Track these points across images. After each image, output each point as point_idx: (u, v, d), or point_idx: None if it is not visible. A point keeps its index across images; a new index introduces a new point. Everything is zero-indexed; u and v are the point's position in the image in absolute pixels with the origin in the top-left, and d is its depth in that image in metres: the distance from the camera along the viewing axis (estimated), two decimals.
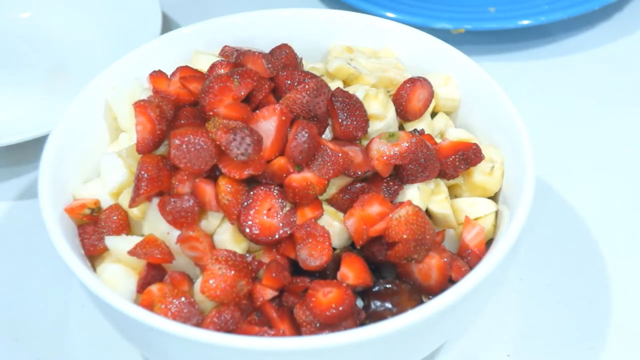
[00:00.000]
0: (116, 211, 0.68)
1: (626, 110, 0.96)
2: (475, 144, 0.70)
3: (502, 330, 0.74)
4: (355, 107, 0.68)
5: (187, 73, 0.71)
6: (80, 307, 0.76)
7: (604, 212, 0.84)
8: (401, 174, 0.67)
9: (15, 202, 0.87)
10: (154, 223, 0.64)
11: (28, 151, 0.89)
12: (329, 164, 0.63)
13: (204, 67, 0.74)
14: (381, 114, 0.70)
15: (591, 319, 0.75)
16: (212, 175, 0.64)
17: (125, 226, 0.67)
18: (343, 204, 0.66)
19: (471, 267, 0.65)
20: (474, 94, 0.75)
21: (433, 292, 0.63)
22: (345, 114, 0.67)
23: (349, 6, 1.06)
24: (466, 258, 0.66)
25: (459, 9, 1.06)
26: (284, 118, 0.64)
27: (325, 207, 0.65)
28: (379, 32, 0.81)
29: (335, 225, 0.64)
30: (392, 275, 0.65)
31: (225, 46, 0.78)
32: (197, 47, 0.79)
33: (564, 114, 0.95)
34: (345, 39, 0.81)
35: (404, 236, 0.61)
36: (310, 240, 0.62)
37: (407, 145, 0.65)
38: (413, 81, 0.73)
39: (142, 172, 0.63)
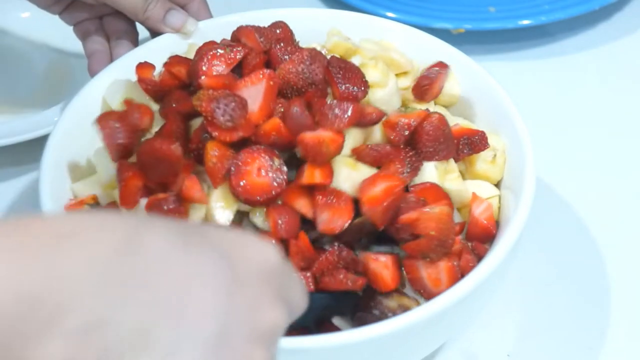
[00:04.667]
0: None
1: (626, 110, 0.95)
2: (482, 131, 0.70)
3: (502, 330, 0.74)
4: (352, 71, 0.67)
5: (174, 60, 0.71)
6: None
7: (604, 212, 0.84)
8: (420, 150, 0.66)
9: (15, 202, 0.87)
10: None
11: (28, 151, 0.89)
12: (339, 114, 0.63)
13: None
14: (381, 81, 0.70)
15: (591, 318, 0.75)
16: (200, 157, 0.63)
17: None
18: (368, 156, 0.65)
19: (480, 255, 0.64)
20: (473, 92, 0.75)
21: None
22: (343, 79, 0.67)
23: (349, 6, 1.06)
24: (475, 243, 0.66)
25: (459, 8, 1.05)
26: (271, 83, 0.63)
27: (344, 159, 0.64)
28: (379, 32, 0.81)
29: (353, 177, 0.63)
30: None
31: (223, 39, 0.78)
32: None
33: (564, 113, 0.95)
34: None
35: (432, 232, 0.61)
36: (332, 201, 0.61)
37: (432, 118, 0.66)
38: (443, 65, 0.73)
39: (121, 182, 0.63)
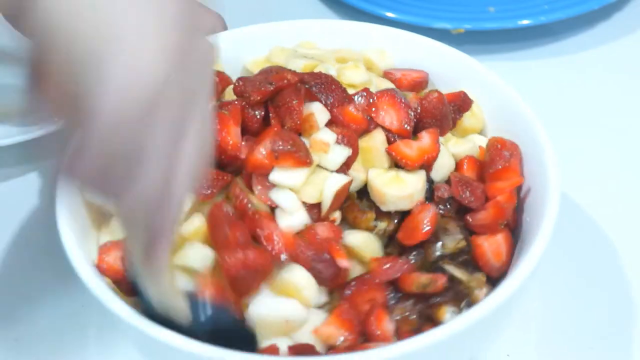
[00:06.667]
0: None
1: (626, 111, 0.96)
2: (463, 92, 0.72)
3: None
4: (328, 83, 0.68)
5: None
6: (80, 307, 0.76)
7: (602, 209, 0.84)
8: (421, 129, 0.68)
9: (16, 201, 0.87)
10: None
11: (28, 151, 0.89)
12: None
13: None
14: (368, 80, 0.71)
15: (591, 318, 0.75)
16: None
17: None
18: None
19: None
20: (431, 64, 0.77)
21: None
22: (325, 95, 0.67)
23: (349, 6, 1.06)
24: None
25: (459, 8, 1.06)
26: None
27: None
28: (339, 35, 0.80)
29: None
30: None
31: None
32: None
33: (564, 113, 0.95)
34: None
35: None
36: None
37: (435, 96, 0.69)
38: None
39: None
